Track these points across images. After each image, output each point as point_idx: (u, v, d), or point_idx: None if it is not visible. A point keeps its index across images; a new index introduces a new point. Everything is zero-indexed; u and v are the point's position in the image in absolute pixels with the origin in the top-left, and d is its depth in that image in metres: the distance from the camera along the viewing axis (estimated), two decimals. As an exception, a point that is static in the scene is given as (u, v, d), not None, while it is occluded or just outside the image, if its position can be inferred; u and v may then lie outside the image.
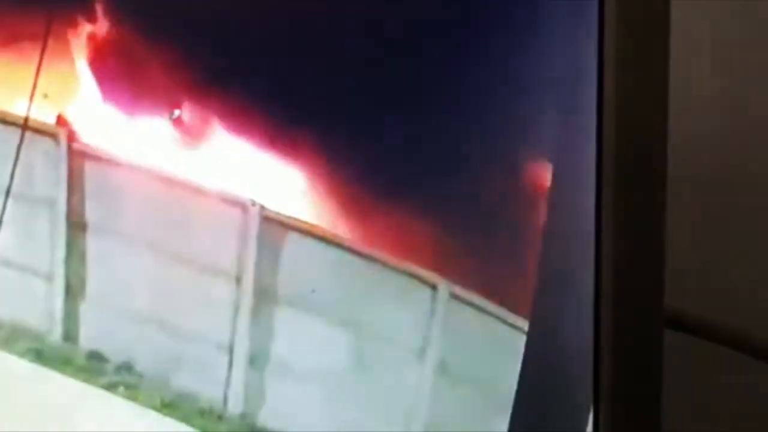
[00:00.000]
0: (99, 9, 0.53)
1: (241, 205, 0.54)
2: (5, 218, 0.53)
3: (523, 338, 0.56)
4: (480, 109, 0.55)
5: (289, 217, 0.53)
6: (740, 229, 0.96)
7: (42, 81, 0.53)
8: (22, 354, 0.55)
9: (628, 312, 0.57)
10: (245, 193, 0.54)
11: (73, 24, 0.53)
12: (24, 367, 0.54)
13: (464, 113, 0.56)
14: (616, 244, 0.56)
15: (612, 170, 0.56)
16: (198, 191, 0.54)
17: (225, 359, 0.56)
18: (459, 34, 0.55)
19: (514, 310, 0.57)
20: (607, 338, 0.58)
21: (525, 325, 0.55)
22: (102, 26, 0.54)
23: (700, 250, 0.89)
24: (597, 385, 0.57)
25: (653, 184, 0.57)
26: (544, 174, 0.55)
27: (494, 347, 0.57)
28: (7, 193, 0.53)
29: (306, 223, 0.54)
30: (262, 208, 0.54)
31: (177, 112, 0.53)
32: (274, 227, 0.53)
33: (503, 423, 0.57)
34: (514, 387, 0.57)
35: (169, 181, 0.53)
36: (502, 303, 0.56)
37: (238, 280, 0.55)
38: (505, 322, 0.56)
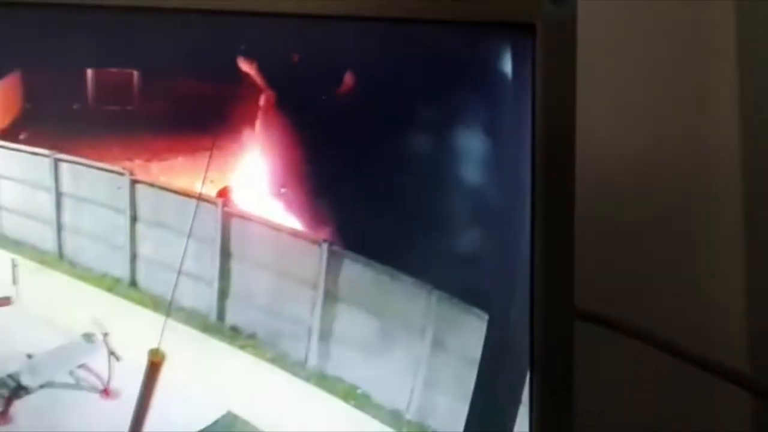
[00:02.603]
0: (241, 136, 0.80)
1: (317, 242, 0.81)
2: (188, 250, 0.80)
3: (485, 324, 0.80)
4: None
5: (343, 250, 0.81)
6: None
7: (209, 174, 0.80)
8: (194, 327, 0.82)
9: (549, 306, 0.79)
10: (320, 235, 0.81)
11: (227, 142, 0.80)
12: (195, 335, 0.82)
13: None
14: (541, 260, 0.79)
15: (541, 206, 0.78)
16: (294, 233, 0.81)
17: (306, 333, 0.82)
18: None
19: (480, 305, 0.80)
20: (537, 325, 0.80)
21: (486, 315, 0.80)
22: (243, 149, 0.81)
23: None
24: (532, 356, 0.80)
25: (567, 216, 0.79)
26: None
27: (467, 329, 0.80)
28: (189, 235, 0.80)
29: (353, 251, 0.80)
30: (329, 243, 0.81)
31: (284, 190, 0.81)
32: (335, 256, 0.81)
33: (472, 379, 0.81)
34: (479, 354, 0.80)
35: (277, 228, 0.81)
36: (471, 302, 0.80)
37: (315, 286, 0.82)
38: (474, 314, 0.80)
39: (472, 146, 0.81)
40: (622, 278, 1.10)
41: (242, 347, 0.82)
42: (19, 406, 0.81)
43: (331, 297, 0.82)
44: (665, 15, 1.11)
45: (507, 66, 0.80)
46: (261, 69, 0.79)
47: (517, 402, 0.82)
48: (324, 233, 0.81)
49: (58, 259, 0.82)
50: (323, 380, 0.82)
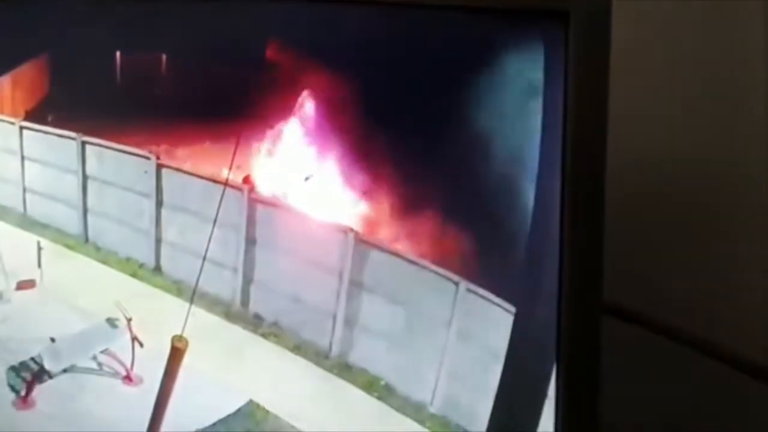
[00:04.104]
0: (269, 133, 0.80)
1: (344, 231, 0.80)
2: (213, 236, 0.79)
3: (512, 318, 0.78)
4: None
5: (370, 238, 0.80)
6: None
7: (236, 160, 0.79)
8: (218, 314, 0.82)
9: (577, 301, 0.77)
10: (346, 223, 0.80)
11: (255, 128, 0.79)
12: (219, 322, 0.82)
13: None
14: (570, 257, 0.76)
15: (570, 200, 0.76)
16: (319, 222, 0.80)
17: (330, 322, 0.81)
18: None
19: (507, 299, 0.78)
20: (564, 319, 0.77)
21: (513, 309, 0.78)
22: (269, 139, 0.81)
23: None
24: (559, 352, 0.78)
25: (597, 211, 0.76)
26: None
27: (493, 323, 0.78)
28: (215, 221, 0.79)
29: (380, 241, 0.79)
30: (356, 232, 0.80)
31: (310, 176, 0.80)
32: (362, 244, 0.80)
33: (498, 372, 0.78)
34: (506, 349, 0.78)
35: (303, 216, 0.80)
36: (499, 295, 0.78)
37: (340, 274, 0.81)
38: (501, 306, 0.78)
39: (499, 139, 0.79)
40: (647, 274, 1.08)
41: (265, 335, 0.82)
42: (41, 390, 0.81)
43: (356, 286, 0.81)
44: (695, 15, 1.10)
45: (538, 55, 0.78)
46: (292, 55, 0.78)
47: (542, 396, 0.80)
48: (351, 221, 0.80)
49: (83, 243, 0.82)
50: (346, 370, 0.82)
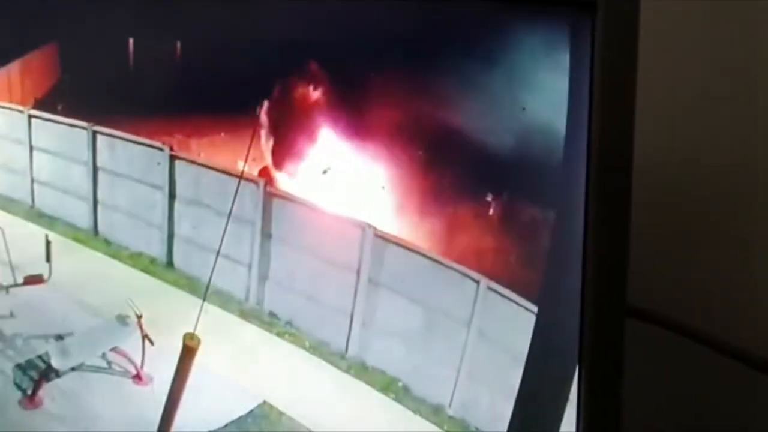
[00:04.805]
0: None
1: (362, 226, 0.78)
2: (227, 231, 0.77)
3: (533, 318, 0.75)
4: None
5: (389, 234, 0.78)
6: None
7: (252, 152, 0.77)
8: (232, 312, 0.80)
9: (601, 302, 0.74)
10: (364, 219, 0.78)
11: (272, 120, 0.76)
12: (233, 320, 0.80)
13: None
14: (594, 256, 0.74)
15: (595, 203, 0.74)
16: (337, 218, 0.78)
17: (347, 321, 0.79)
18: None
19: (529, 299, 0.75)
20: (587, 321, 0.74)
21: (535, 309, 0.75)
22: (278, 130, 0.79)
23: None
24: (581, 354, 0.75)
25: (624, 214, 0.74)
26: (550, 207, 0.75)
27: (515, 323, 0.75)
28: (229, 215, 0.77)
29: (399, 238, 0.77)
30: (374, 228, 0.78)
31: (328, 169, 0.78)
32: (380, 240, 0.78)
33: (518, 374, 0.76)
34: (526, 350, 0.76)
35: (320, 211, 0.78)
36: (521, 294, 0.76)
37: (358, 272, 0.79)
38: (523, 306, 0.76)
39: (523, 136, 0.77)
40: (670, 276, 1.07)
41: (280, 334, 0.80)
42: (48, 389, 0.79)
43: (374, 284, 0.79)
44: (713, 15, 1.09)
45: (564, 47, 0.76)
46: (311, 47, 0.76)
47: (564, 400, 0.77)
48: (370, 216, 0.78)
49: (93, 237, 0.80)
50: (363, 371, 0.80)
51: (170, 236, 0.79)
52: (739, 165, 1.09)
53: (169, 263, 0.80)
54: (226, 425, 0.79)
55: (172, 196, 0.79)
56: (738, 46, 1.08)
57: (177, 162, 0.78)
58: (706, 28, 1.07)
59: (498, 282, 0.77)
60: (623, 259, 0.75)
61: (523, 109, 0.75)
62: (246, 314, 0.80)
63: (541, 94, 0.75)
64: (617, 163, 0.75)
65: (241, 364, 0.80)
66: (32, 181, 0.80)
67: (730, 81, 1.08)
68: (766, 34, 1.07)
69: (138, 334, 0.80)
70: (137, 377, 0.81)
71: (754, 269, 1.07)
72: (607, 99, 0.75)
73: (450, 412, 0.79)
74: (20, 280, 0.80)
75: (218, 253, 0.78)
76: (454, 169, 0.77)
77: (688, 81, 1.08)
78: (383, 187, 0.77)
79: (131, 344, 0.80)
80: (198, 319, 0.77)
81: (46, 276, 0.80)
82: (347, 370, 0.80)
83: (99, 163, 0.79)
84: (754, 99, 1.08)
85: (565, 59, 0.75)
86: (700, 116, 1.07)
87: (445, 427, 0.79)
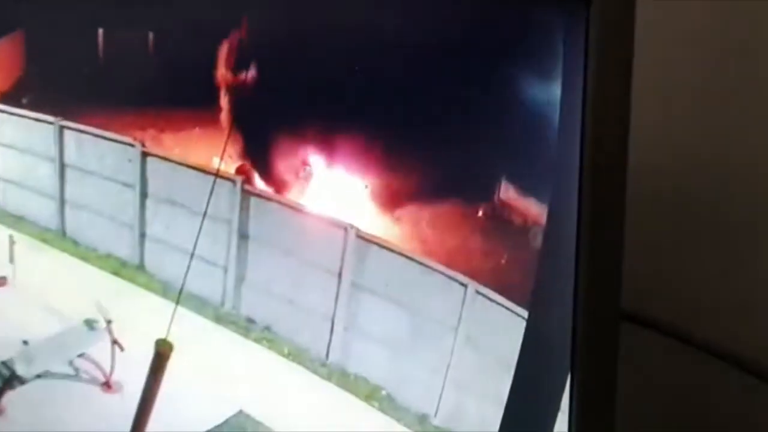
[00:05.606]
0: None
1: (344, 227, 0.76)
2: (202, 231, 0.76)
3: (524, 323, 0.73)
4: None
5: (372, 235, 0.76)
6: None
7: (229, 149, 0.75)
8: (206, 316, 0.79)
9: (594, 307, 0.72)
10: (346, 219, 0.76)
11: (249, 114, 0.75)
12: (206, 325, 0.79)
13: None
14: (587, 259, 0.71)
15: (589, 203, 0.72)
16: (317, 217, 0.77)
17: (328, 326, 0.78)
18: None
19: (519, 303, 0.73)
20: (580, 326, 0.75)
21: (525, 314, 0.72)
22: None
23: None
24: (573, 361, 0.75)
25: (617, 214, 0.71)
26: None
27: (504, 328, 0.74)
28: (204, 215, 0.76)
29: (383, 239, 0.76)
30: (357, 229, 0.76)
31: (308, 168, 0.77)
32: (363, 241, 0.76)
33: (507, 382, 0.74)
34: (516, 356, 0.74)
35: (300, 210, 0.77)
36: (511, 298, 0.74)
37: (340, 275, 0.77)
38: (512, 311, 0.74)
39: (513, 134, 0.75)
40: (664, 280, 1.06)
41: (257, 340, 0.79)
42: (12, 398, 0.78)
43: (356, 287, 0.77)
44: (722, 15, 1.08)
45: (557, 42, 0.75)
46: (283, 38, 0.73)
47: (555, 409, 0.75)
48: (350, 216, 0.76)
49: (60, 237, 0.79)
50: (345, 379, 0.78)
51: (142, 237, 0.78)
52: (736, 170, 1.09)
53: (141, 265, 0.78)
54: (201, 435, 0.77)
55: (143, 194, 0.77)
56: (737, 42, 1.07)
57: (149, 159, 0.77)
58: (705, 24, 1.06)
59: (487, 286, 0.75)
60: (617, 262, 0.72)
61: (514, 107, 0.73)
62: (222, 319, 0.79)
63: (532, 91, 0.73)
64: (611, 165, 0.73)
65: (217, 372, 0.78)
66: (-4, 178, 0.78)
67: (730, 79, 1.07)
68: (766, 34, 1.07)
69: (107, 340, 0.78)
70: (106, 385, 0.79)
71: (750, 274, 1.07)
72: (601, 97, 0.73)
73: (436, 421, 0.78)
74: (-18, 283, 0.79)
75: (192, 254, 0.76)
76: (442, 167, 0.75)
77: (686, 79, 1.07)
78: (366, 186, 0.75)
79: (100, 350, 0.78)
80: (171, 324, 0.75)
81: (10, 278, 0.78)
82: (328, 378, 0.78)
83: (67, 160, 0.77)
84: (754, 99, 1.07)
85: (558, 56, 0.72)
86: (697, 118, 1.07)
87: (431, 437, 0.77)
